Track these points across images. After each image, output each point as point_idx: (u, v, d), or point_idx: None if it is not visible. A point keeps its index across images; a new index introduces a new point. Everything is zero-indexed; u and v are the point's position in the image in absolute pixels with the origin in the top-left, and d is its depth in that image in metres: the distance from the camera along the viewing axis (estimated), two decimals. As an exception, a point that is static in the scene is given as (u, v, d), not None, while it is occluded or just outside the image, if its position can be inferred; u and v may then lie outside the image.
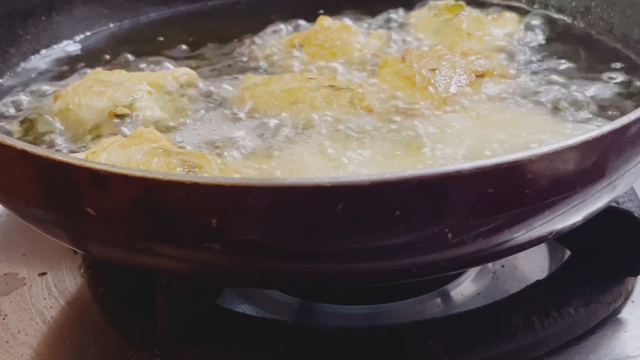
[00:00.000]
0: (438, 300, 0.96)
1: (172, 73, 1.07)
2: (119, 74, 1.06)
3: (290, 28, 1.26)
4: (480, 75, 1.04)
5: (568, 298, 0.90)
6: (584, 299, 0.90)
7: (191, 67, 1.11)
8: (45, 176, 0.75)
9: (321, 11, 1.27)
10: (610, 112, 0.99)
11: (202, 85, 1.08)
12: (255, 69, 1.14)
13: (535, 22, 1.23)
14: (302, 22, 1.26)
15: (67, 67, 1.18)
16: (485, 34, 1.18)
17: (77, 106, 0.99)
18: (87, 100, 1.00)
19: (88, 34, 1.27)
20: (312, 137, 0.94)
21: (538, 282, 0.94)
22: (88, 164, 0.71)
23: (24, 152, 0.74)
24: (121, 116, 0.98)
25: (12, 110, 1.05)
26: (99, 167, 0.71)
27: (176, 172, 0.84)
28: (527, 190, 0.72)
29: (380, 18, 1.28)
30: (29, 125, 1.02)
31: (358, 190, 0.68)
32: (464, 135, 0.94)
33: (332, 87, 1.01)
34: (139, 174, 0.70)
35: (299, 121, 0.97)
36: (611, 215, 0.89)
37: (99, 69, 1.11)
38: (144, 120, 0.99)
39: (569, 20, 1.24)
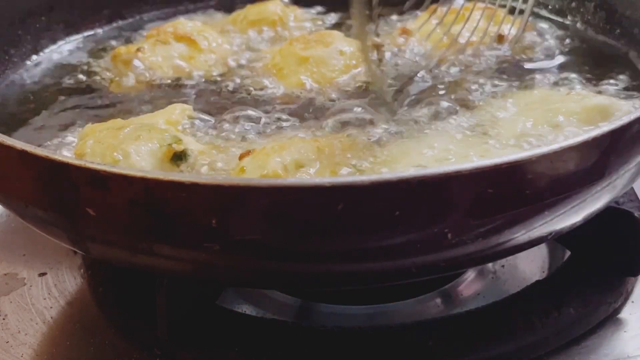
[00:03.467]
0: (438, 300, 0.96)
1: (171, 111, 1.00)
2: (122, 121, 0.98)
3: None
4: None
5: (568, 298, 0.90)
6: (584, 299, 0.90)
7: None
8: (45, 176, 0.74)
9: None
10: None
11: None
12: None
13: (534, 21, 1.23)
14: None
15: (68, 68, 1.18)
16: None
17: (124, 153, 0.89)
18: (132, 147, 0.89)
19: (89, 33, 1.27)
20: None
21: (538, 282, 0.94)
22: (88, 164, 0.71)
23: (23, 152, 0.74)
24: (179, 154, 0.90)
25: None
26: (99, 167, 0.71)
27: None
28: (527, 190, 0.72)
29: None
30: None
31: (358, 190, 0.68)
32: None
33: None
34: (138, 174, 0.70)
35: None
36: (611, 215, 0.89)
37: (96, 124, 1.00)
38: (196, 152, 0.92)
39: (568, 20, 1.24)
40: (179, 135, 0.93)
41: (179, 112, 0.99)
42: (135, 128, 0.92)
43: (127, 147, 0.88)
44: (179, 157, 0.90)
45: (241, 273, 0.78)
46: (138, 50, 1.14)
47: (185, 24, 1.20)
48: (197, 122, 1.00)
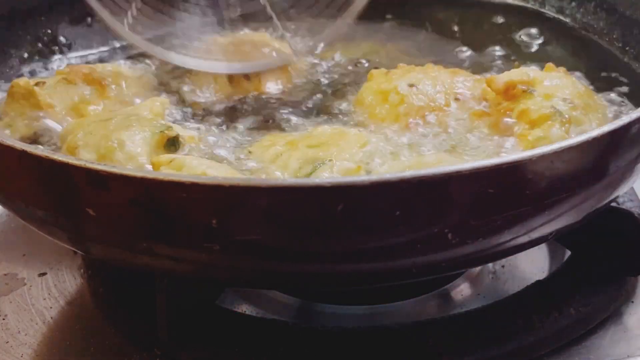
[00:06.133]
0: (438, 300, 0.96)
1: (152, 103, 1.01)
2: (108, 113, 0.99)
3: None
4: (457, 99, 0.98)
5: (568, 298, 0.90)
6: (584, 299, 0.90)
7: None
8: (45, 176, 0.75)
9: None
10: (609, 113, 0.99)
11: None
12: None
13: (531, 21, 1.23)
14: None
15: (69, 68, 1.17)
16: None
17: (119, 142, 0.89)
18: (125, 135, 0.89)
19: (89, 33, 1.27)
20: None
21: (538, 282, 0.94)
22: (88, 164, 0.71)
23: (23, 153, 0.74)
24: (172, 140, 0.92)
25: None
26: (99, 167, 0.71)
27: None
28: (527, 190, 0.72)
29: None
30: None
31: (358, 190, 0.68)
32: None
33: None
34: (139, 174, 0.70)
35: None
36: (611, 215, 0.89)
37: (81, 118, 1.00)
38: (187, 138, 0.95)
39: (567, 20, 1.24)
40: (168, 123, 0.95)
41: (159, 104, 1.01)
42: (123, 118, 0.94)
43: (121, 136, 0.90)
44: (172, 143, 0.92)
45: (241, 273, 0.78)
46: (37, 84, 1.01)
47: (105, 67, 1.09)
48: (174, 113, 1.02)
